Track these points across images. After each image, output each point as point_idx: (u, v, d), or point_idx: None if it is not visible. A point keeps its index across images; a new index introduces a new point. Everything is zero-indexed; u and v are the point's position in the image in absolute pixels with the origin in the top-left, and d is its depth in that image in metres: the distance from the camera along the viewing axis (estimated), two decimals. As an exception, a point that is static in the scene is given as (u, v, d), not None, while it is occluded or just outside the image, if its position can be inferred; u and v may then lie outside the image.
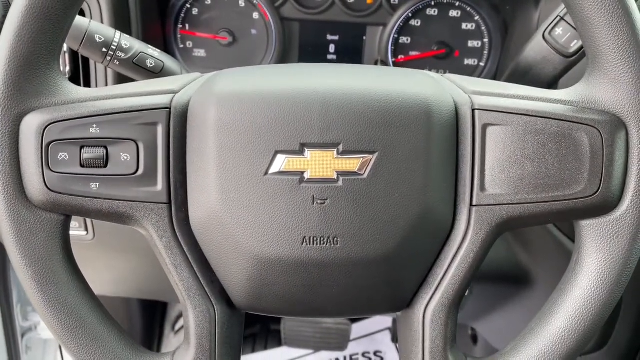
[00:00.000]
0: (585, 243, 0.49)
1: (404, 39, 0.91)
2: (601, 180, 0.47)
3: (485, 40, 0.90)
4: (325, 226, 0.48)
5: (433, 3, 0.89)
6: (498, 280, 0.98)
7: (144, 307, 1.43)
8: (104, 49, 0.64)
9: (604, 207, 0.48)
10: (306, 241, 0.48)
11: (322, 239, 0.48)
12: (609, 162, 0.47)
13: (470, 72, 0.92)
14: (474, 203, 0.49)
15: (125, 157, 0.48)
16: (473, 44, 0.90)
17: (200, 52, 0.92)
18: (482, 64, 0.91)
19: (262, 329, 1.53)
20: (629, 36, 0.46)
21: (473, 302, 1.09)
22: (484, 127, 0.49)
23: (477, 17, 0.89)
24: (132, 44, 0.66)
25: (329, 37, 0.92)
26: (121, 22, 0.79)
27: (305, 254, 0.48)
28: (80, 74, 0.78)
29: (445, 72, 0.92)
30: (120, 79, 0.78)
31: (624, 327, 0.94)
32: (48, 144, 0.47)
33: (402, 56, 0.91)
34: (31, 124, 0.47)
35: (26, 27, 0.46)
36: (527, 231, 0.86)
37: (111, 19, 0.76)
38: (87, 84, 0.79)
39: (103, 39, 0.64)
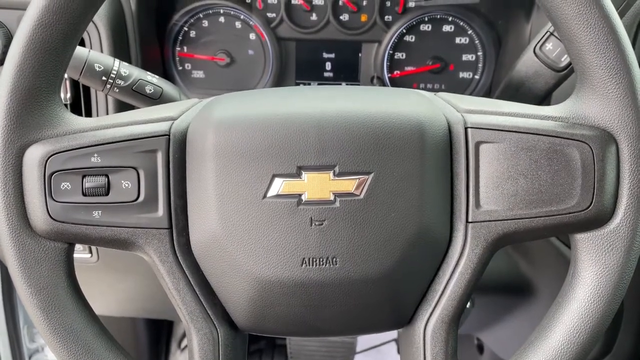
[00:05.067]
0: (580, 256, 0.50)
1: (399, 55, 0.92)
2: (594, 195, 0.48)
3: (480, 53, 0.92)
4: (324, 247, 0.48)
5: (426, 18, 0.90)
6: (501, 291, 0.99)
7: (149, 325, 1.43)
8: (104, 77, 0.65)
9: (597, 220, 0.49)
10: (305, 262, 0.48)
11: (321, 259, 0.48)
12: (600, 177, 0.48)
13: (465, 85, 0.93)
14: (470, 219, 0.50)
15: (127, 185, 0.49)
16: (467, 57, 0.92)
17: (198, 74, 0.94)
18: (477, 76, 0.93)
19: (268, 344, 1.53)
20: (616, 52, 0.47)
21: (478, 313, 1.09)
22: (477, 145, 0.50)
23: (470, 31, 0.91)
24: (131, 72, 0.67)
25: (325, 55, 0.93)
26: (120, 48, 0.80)
27: (305, 275, 0.49)
28: (81, 101, 0.80)
29: (441, 86, 0.93)
30: (121, 105, 0.79)
31: (627, 334, 0.94)
32: (50, 175, 0.48)
33: (398, 71, 0.93)
34: (34, 155, 0.48)
35: (27, 61, 0.47)
36: (528, 241, 0.87)
37: (110, 45, 0.78)
38: (88, 111, 0.81)
39: (102, 68, 0.65)
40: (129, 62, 0.82)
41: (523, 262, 0.91)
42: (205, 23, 0.91)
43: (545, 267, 0.90)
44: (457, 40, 0.91)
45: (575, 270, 0.50)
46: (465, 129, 0.50)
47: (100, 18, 0.77)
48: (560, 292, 0.52)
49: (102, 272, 0.98)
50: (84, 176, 0.49)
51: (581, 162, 0.48)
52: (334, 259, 0.48)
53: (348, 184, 0.48)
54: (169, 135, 0.50)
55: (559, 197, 0.48)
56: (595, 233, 0.49)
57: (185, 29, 0.92)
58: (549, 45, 0.66)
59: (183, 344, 1.53)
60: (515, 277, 0.93)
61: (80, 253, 0.90)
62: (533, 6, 0.85)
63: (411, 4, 0.89)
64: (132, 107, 0.71)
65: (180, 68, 0.94)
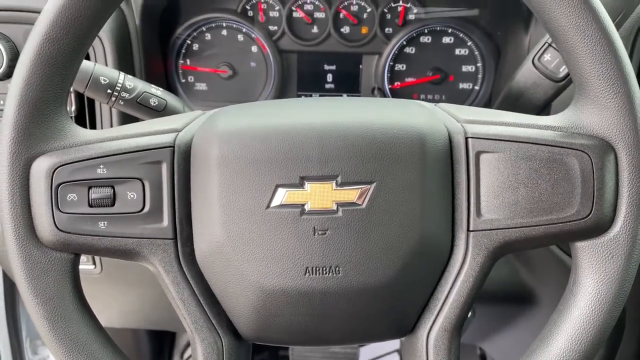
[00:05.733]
0: (581, 264, 0.50)
1: (400, 66, 0.93)
2: (593, 203, 0.49)
3: (479, 64, 0.93)
4: (327, 256, 0.49)
5: (426, 30, 0.91)
6: (503, 300, 0.99)
7: (152, 337, 1.43)
8: (109, 90, 0.66)
9: (597, 228, 0.49)
10: (309, 271, 0.49)
11: (324, 268, 0.49)
12: (600, 185, 0.48)
13: (465, 96, 0.94)
14: (471, 228, 0.50)
15: (132, 196, 0.50)
16: (467, 68, 0.93)
17: (201, 86, 0.95)
18: (476, 87, 0.93)
19: (271, 355, 1.53)
20: (613, 63, 0.47)
21: (480, 322, 1.09)
22: (478, 155, 0.50)
23: (469, 43, 0.92)
24: (136, 84, 0.68)
25: (326, 67, 0.94)
26: (124, 61, 0.81)
27: (308, 284, 0.49)
28: (86, 114, 0.81)
29: (441, 97, 0.94)
30: (125, 118, 0.80)
31: (629, 341, 0.94)
32: (57, 186, 0.49)
33: (399, 83, 0.94)
34: (41, 167, 0.49)
35: (35, 74, 0.48)
36: (529, 250, 0.87)
37: (115, 58, 0.79)
38: (93, 123, 0.82)
39: (107, 81, 0.66)
40: (133, 75, 0.83)
41: (524, 270, 0.91)
42: (208, 36, 0.93)
43: (546, 275, 0.90)
44: (457, 51, 0.92)
45: (576, 278, 0.51)
46: (466, 139, 0.51)
47: (105, 32, 0.78)
48: (562, 300, 0.52)
49: (105, 284, 0.98)
50: (90, 187, 0.50)
51: (580, 171, 0.49)
52: (337, 268, 0.49)
53: (350, 194, 0.49)
54: (174, 147, 0.51)
55: (559, 206, 0.49)
56: (595, 241, 0.50)
57: (188, 42, 0.93)
58: (547, 56, 0.67)
59: (185, 355, 1.52)
60: (517, 286, 0.93)
61: (84, 264, 0.91)
62: (531, 18, 0.86)
63: (411, 17, 0.91)
64: (136, 120, 0.71)
65: (184, 80, 0.95)
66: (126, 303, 1.06)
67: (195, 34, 0.92)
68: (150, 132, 0.52)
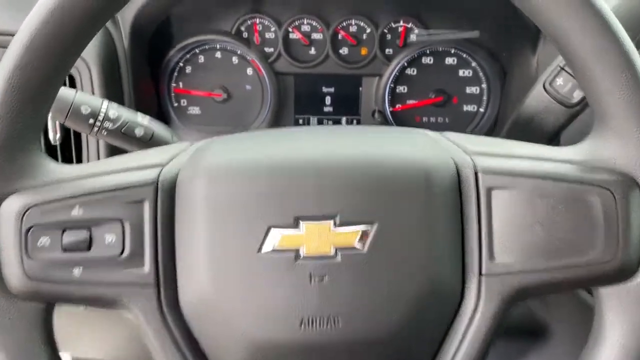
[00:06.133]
0: (605, 312, 0.46)
1: (401, 88, 0.89)
2: (618, 245, 0.44)
3: (484, 86, 0.89)
4: (325, 306, 0.44)
5: (428, 51, 0.88)
6: (515, 334, 0.94)
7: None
8: (91, 120, 0.62)
9: (623, 273, 0.45)
10: (305, 323, 0.45)
11: (321, 319, 0.45)
12: (625, 225, 0.44)
13: (470, 118, 0.90)
14: (483, 272, 0.46)
15: (110, 239, 0.46)
16: (471, 90, 0.89)
17: (195, 110, 0.91)
18: (481, 109, 0.90)
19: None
20: (636, 91, 0.43)
21: (491, 357, 1.04)
22: (489, 191, 0.46)
23: (473, 64, 0.88)
24: (120, 113, 0.64)
25: (325, 90, 0.90)
26: (112, 85, 0.78)
27: (304, 337, 0.45)
28: (72, 142, 0.77)
29: (444, 120, 0.91)
30: (113, 147, 0.76)
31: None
32: (28, 229, 0.45)
33: (400, 105, 0.90)
34: (10, 208, 0.45)
35: (4, 106, 0.44)
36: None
37: (102, 83, 0.75)
38: (79, 151, 0.78)
39: (90, 110, 0.62)
40: (122, 100, 0.80)
41: (537, 304, 0.87)
42: (202, 59, 0.89)
43: (560, 310, 0.85)
44: (460, 72, 0.89)
45: (599, 328, 0.46)
46: (476, 173, 0.47)
47: (92, 56, 0.74)
48: (584, 351, 0.47)
49: (92, 317, 0.93)
50: (64, 230, 0.45)
51: (603, 210, 0.44)
52: (336, 319, 0.44)
53: (350, 236, 0.45)
54: (157, 184, 0.47)
55: (579, 248, 0.45)
56: (620, 287, 0.45)
57: (181, 64, 0.90)
58: (559, 81, 0.64)
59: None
60: (529, 320, 0.89)
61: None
62: (539, 37, 0.82)
63: (412, 38, 0.87)
64: (123, 149, 0.67)
65: (176, 104, 0.91)
66: (114, 337, 1.01)
67: (188, 56, 0.89)
68: (131, 167, 0.48)
